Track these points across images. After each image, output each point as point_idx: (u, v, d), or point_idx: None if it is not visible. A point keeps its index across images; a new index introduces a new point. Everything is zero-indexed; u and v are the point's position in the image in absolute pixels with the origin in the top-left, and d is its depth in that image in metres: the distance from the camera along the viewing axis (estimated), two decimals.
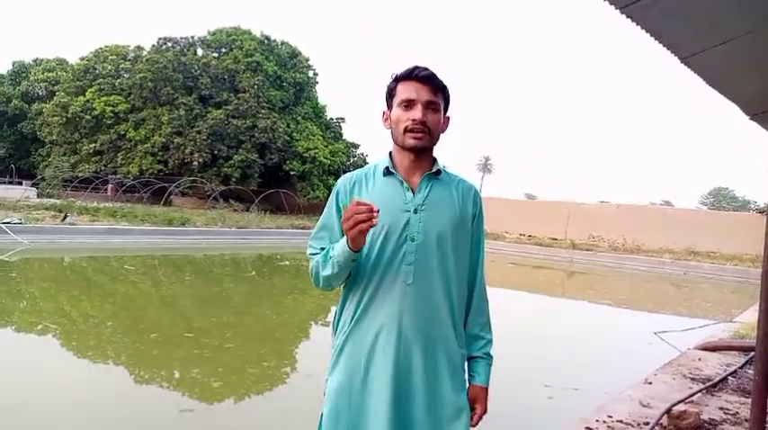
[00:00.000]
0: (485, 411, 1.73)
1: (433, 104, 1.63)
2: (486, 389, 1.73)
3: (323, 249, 1.68)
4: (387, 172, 1.69)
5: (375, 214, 1.43)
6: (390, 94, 1.68)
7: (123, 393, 4.65)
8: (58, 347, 6.07)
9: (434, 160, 1.71)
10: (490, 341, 1.76)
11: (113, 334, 6.62)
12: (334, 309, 1.76)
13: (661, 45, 2.12)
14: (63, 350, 6.01)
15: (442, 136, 1.71)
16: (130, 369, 5.42)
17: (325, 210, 1.75)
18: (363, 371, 1.61)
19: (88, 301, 8.61)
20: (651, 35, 2.03)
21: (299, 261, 15.44)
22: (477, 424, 1.71)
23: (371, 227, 1.45)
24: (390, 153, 1.72)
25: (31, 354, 5.62)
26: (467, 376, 1.74)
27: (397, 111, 1.65)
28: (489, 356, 1.75)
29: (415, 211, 1.62)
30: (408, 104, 1.62)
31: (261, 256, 17.49)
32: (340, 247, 1.56)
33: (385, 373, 1.57)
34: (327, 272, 1.63)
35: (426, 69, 1.64)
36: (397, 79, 1.67)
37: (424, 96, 1.61)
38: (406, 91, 1.63)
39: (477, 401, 1.71)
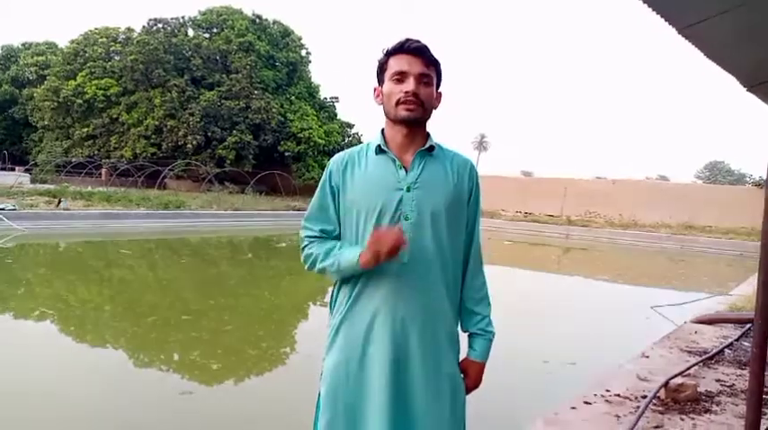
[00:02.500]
0: (475, 386, 1.72)
1: (426, 77, 1.59)
2: (480, 364, 1.71)
3: (322, 231, 1.67)
4: (379, 150, 1.65)
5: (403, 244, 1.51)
6: (382, 69, 1.64)
7: (123, 377, 4.65)
8: (57, 332, 6.07)
9: (428, 136, 1.67)
10: (486, 317, 1.72)
11: (111, 318, 6.62)
12: (331, 289, 1.74)
13: (659, 16, 2.07)
14: (62, 335, 6.01)
15: (435, 112, 1.67)
16: (129, 352, 5.43)
17: (318, 191, 1.72)
18: (361, 349, 1.60)
19: (85, 286, 8.60)
20: (648, 6, 1.98)
21: (296, 242, 15.36)
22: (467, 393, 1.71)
23: (393, 257, 1.52)
24: (383, 130, 1.69)
25: (30, 340, 5.62)
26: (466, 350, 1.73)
27: (389, 85, 1.61)
28: (487, 332, 1.71)
29: (408, 190, 1.60)
30: (400, 77, 1.58)
31: (257, 238, 17.48)
32: (348, 260, 1.57)
33: (383, 352, 1.57)
34: (326, 266, 1.64)
35: (418, 42, 1.61)
36: (389, 53, 1.62)
37: (416, 69, 1.58)
38: (397, 64, 1.59)
39: (466, 374, 1.70)
